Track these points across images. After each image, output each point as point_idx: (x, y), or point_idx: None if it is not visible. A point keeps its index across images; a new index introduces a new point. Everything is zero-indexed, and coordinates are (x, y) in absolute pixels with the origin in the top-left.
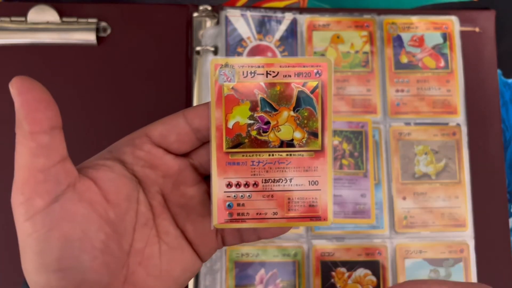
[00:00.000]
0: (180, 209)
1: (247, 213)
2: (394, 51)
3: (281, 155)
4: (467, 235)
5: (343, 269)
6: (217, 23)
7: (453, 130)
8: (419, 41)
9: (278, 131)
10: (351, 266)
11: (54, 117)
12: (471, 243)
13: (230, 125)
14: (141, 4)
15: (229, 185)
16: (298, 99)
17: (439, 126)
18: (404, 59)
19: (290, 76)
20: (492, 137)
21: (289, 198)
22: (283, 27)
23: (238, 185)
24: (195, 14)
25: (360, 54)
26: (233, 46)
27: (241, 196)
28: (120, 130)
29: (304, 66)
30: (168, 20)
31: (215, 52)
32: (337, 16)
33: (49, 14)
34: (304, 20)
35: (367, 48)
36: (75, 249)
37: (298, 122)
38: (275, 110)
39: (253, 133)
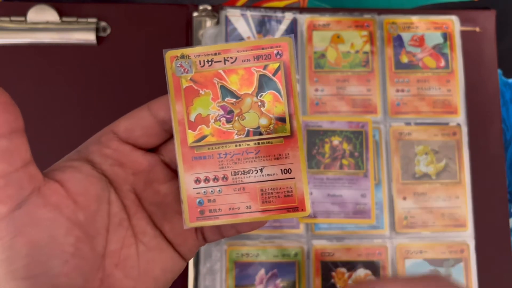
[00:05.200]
0: (155, 207)
1: (219, 209)
2: (394, 51)
3: (248, 144)
4: (468, 235)
5: (343, 269)
6: (217, 23)
7: (453, 130)
8: (420, 41)
9: (243, 120)
10: (352, 266)
11: (14, 120)
12: (472, 243)
13: (192, 118)
14: (141, 4)
15: (197, 180)
16: (260, 83)
17: (439, 126)
18: (404, 59)
19: (249, 60)
20: (492, 137)
21: (262, 190)
22: (283, 27)
23: (206, 180)
24: (195, 14)
25: (360, 54)
26: None
27: (211, 191)
28: None
29: (263, 48)
30: (168, 20)
31: None
32: (337, 16)
33: (49, 14)
34: (304, 20)
35: (367, 48)
36: (43, 254)
37: (263, 108)
38: (237, 97)
39: (217, 124)
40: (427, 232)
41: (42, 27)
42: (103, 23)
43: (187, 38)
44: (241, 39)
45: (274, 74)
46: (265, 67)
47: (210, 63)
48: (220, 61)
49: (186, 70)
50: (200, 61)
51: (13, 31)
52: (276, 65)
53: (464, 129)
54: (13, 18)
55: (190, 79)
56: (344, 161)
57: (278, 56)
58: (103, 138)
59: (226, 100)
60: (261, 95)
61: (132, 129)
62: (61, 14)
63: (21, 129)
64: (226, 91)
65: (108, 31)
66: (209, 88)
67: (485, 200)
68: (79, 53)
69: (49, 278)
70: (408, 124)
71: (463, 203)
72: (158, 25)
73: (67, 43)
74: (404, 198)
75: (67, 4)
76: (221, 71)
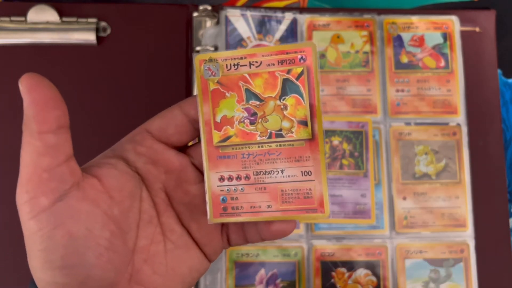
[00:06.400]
0: (184, 207)
1: (241, 206)
2: (394, 51)
3: (270, 146)
4: (468, 235)
5: (343, 269)
6: (217, 23)
7: (453, 130)
8: (419, 41)
9: (266, 122)
10: (351, 266)
11: (62, 116)
12: (472, 243)
13: (218, 119)
14: (141, 4)
15: (221, 179)
16: (283, 87)
17: (439, 126)
18: (404, 59)
19: (273, 64)
20: (492, 137)
21: (282, 190)
22: (283, 27)
23: (230, 178)
24: (195, 14)
25: (360, 54)
26: (233, 46)
27: (234, 189)
28: (120, 130)
29: (287, 53)
30: (168, 20)
31: None
32: (337, 16)
33: (49, 14)
34: (304, 20)
35: (367, 48)
36: (80, 246)
37: (285, 111)
38: (261, 100)
39: (241, 125)
40: (427, 232)
41: (42, 27)
42: (103, 23)
43: (187, 38)
44: (241, 39)
45: (297, 78)
46: (288, 72)
47: (236, 66)
48: (246, 65)
49: (213, 73)
50: (227, 65)
51: (13, 31)
52: (299, 70)
53: (464, 129)
54: (13, 18)
55: (217, 82)
56: (344, 161)
57: (302, 61)
58: (137, 136)
59: (250, 102)
60: (284, 99)
61: (165, 127)
62: (61, 14)
63: (67, 125)
64: (251, 94)
65: (108, 31)
66: (234, 91)
67: (485, 200)
68: (79, 53)
69: (84, 269)
70: (408, 124)
71: (463, 203)
72: (158, 25)
73: (67, 43)
74: (404, 198)
75: (67, 4)
76: (247, 75)
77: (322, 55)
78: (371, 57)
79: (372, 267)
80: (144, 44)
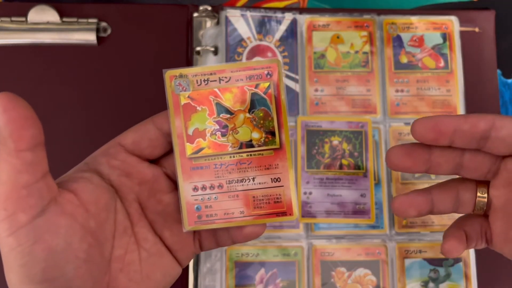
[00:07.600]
0: (157, 216)
1: (215, 214)
2: (394, 51)
3: (241, 156)
4: None
5: (343, 269)
6: (217, 23)
7: None
8: (419, 41)
9: (237, 134)
10: (351, 266)
11: (38, 134)
12: None
13: (190, 132)
14: (141, 4)
15: (195, 188)
16: (252, 101)
17: None
18: (403, 59)
19: (242, 79)
20: None
21: (253, 197)
22: (283, 27)
23: (203, 188)
24: (195, 14)
25: (360, 54)
26: (233, 46)
27: (208, 198)
28: (119, 130)
29: (254, 69)
30: (168, 20)
31: (215, 52)
32: (337, 16)
33: (49, 14)
34: (304, 20)
35: (367, 48)
36: (59, 260)
37: (254, 123)
38: (231, 113)
39: (213, 137)
40: (426, 232)
41: (43, 28)
42: (103, 24)
43: (187, 38)
44: (241, 39)
45: (264, 92)
46: (256, 86)
47: (206, 82)
48: (216, 81)
49: (184, 88)
50: (197, 80)
51: (13, 32)
52: (266, 84)
53: None
54: (13, 19)
55: (188, 97)
56: (344, 161)
57: (268, 76)
58: (111, 150)
59: (221, 116)
60: (253, 111)
61: (139, 141)
62: (61, 14)
63: (43, 142)
64: (221, 108)
65: (109, 31)
66: (205, 105)
67: None
68: (80, 54)
69: (63, 281)
70: (407, 124)
71: None
72: (158, 25)
73: (68, 44)
74: None
75: (68, 5)
76: (217, 90)
77: (322, 55)
78: (370, 57)
79: (371, 267)
80: (144, 44)
